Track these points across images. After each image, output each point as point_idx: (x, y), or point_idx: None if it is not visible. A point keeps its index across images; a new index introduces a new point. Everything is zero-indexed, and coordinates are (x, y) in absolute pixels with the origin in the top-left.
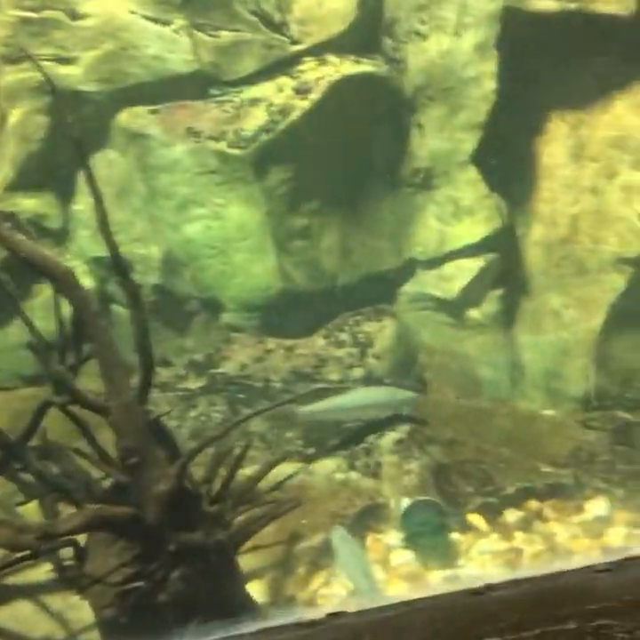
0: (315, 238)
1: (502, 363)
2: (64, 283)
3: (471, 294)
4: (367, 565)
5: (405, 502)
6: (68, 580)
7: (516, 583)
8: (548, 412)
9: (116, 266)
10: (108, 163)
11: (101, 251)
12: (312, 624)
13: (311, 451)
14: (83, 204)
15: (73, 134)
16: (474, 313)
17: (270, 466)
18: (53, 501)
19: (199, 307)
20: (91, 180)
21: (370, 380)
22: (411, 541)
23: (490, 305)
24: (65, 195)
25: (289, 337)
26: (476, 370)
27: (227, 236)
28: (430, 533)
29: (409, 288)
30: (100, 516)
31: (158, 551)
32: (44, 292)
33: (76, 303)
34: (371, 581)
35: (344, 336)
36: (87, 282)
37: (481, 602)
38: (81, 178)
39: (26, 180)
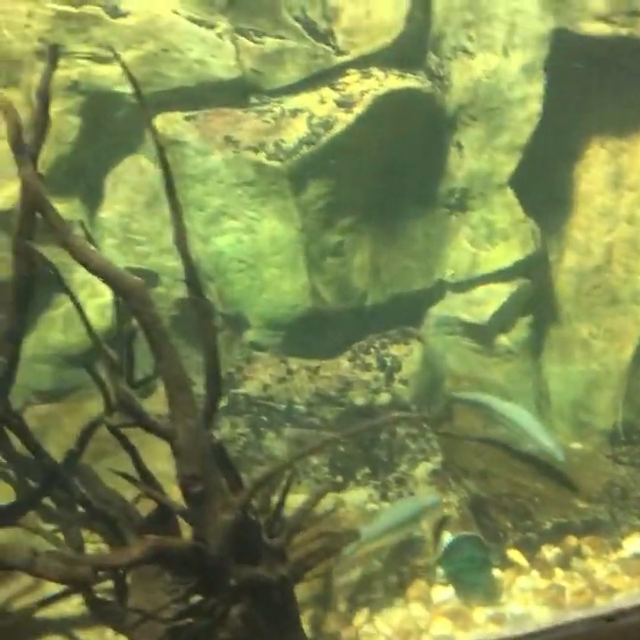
0: (347, 256)
1: (529, 392)
2: (136, 299)
3: (501, 320)
4: None
5: (447, 537)
6: (106, 614)
7: None
8: (576, 445)
9: (190, 282)
10: (139, 169)
11: (128, 260)
12: None
13: (339, 479)
14: (109, 212)
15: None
16: (503, 339)
17: (319, 495)
18: (78, 529)
19: (223, 323)
20: (170, 184)
21: (396, 405)
22: (453, 578)
23: (519, 332)
24: (92, 201)
25: (313, 357)
26: (503, 398)
27: (258, 250)
28: (474, 570)
29: (437, 311)
30: (162, 548)
31: (218, 586)
32: (65, 303)
33: (145, 320)
34: None
35: (370, 359)
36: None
37: (618, 628)
38: (108, 184)
39: (54, 184)
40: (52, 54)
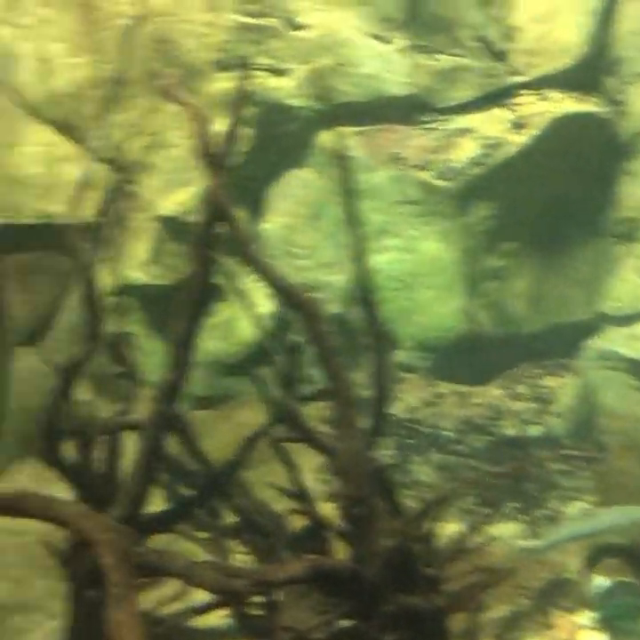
0: (508, 281)
1: None
2: (307, 314)
3: None
4: None
5: (601, 581)
6: (254, 629)
7: None
8: None
9: (364, 299)
10: (303, 182)
11: (286, 273)
12: None
13: (485, 511)
14: (272, 223)
15: None
16: None
17: (474, 528)
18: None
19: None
20: (350, 203)
21: (548, 439)
22: (607, 624)
23: None
24: (256, 212)
25: (462, 383)
26: None
27: (416, 270)
28: (629, 617)
29: (596, 344)
30: (322, 567)
31: (373, 611)
32: (225, 311)
33: (315, 337)
34: None
35: (523, 388)
36: (269, 305)
37: None
38: (273, 196)
39: None
40: (246, 67)
